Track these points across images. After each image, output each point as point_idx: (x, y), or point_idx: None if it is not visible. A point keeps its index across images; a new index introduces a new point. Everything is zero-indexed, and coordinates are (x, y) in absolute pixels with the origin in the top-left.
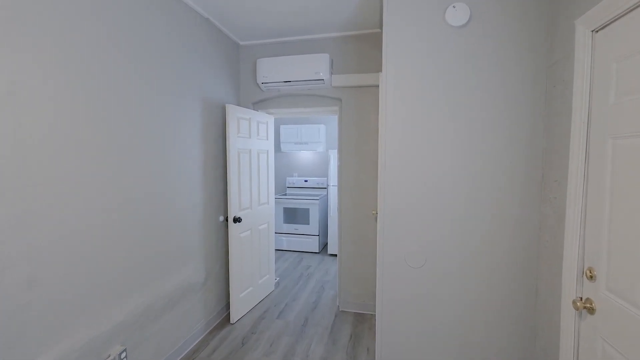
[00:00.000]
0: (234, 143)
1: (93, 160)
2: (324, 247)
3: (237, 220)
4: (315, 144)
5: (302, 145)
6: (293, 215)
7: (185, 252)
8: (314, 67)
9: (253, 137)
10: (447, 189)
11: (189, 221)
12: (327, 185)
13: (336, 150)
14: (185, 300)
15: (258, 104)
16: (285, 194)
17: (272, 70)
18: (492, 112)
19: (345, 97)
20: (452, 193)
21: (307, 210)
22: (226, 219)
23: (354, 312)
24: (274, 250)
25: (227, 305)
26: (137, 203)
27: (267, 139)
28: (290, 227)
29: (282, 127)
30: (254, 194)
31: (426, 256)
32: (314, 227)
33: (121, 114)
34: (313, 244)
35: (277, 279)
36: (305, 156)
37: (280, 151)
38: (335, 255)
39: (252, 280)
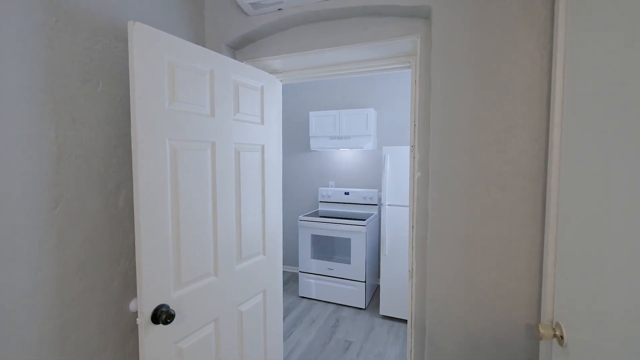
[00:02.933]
0: (154, 123)
1: None
2: (372, 297)
3: (162, 317)
4: (360, 139)
5: (341, 140)
6: (327, 248)
7: None
8: None
9: (224, 114)
10: None
11: None
12: (380, 202)
13: (397, 148)
14: None
15: (243, 50)
16: (317, 212)
17: None
18: None
19: (443, 6)
20: None
21: (347, 241)
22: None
23: None
24: (282, 343)
25: None
26: None
27: (263, 123)
28: (322, 266)
29: (311, 114)
30: (224, 242)
31: None
32: (358, 267)
33: None
34: (357, 295)
35: None
36: (347, 157)
37: (309, 150)
38: (391, 318)
39: None
